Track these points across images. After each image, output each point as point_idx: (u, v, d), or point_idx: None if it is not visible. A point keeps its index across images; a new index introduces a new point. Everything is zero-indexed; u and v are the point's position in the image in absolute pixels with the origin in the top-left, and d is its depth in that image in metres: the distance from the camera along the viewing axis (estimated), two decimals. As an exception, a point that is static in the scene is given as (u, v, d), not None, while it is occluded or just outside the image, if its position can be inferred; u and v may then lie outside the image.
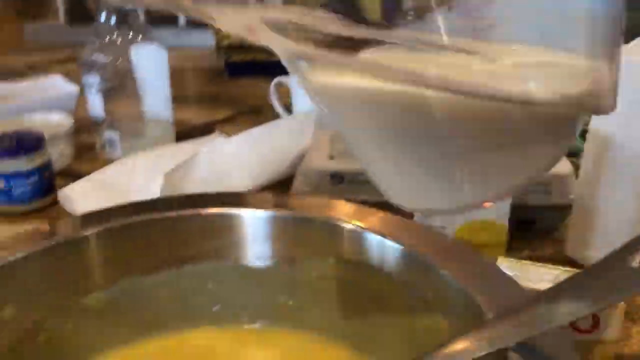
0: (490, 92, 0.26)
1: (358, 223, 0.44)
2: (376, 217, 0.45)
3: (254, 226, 0.47)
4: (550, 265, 0.50)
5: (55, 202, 0.77)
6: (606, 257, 0.31)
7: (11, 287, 0.42)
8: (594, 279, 0.32)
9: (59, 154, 0.86)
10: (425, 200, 0.34)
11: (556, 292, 0.32)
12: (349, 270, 0.45)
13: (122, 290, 0.46)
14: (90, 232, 0.45)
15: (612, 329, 0.46)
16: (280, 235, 0.46)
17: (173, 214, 0.48)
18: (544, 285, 0.46)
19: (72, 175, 0.83)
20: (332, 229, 0.44)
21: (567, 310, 0.31)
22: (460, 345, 0.34)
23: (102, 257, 0.46)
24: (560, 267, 0.49)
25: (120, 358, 0.45)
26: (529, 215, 0.69)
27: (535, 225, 0.71)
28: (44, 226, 0.49)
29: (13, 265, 0.41)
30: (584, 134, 0.61)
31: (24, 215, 0.76)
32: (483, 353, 0.32)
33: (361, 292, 0.44)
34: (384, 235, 0.42)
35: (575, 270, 0.48)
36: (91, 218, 0.47)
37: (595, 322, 0.47)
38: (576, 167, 0.67)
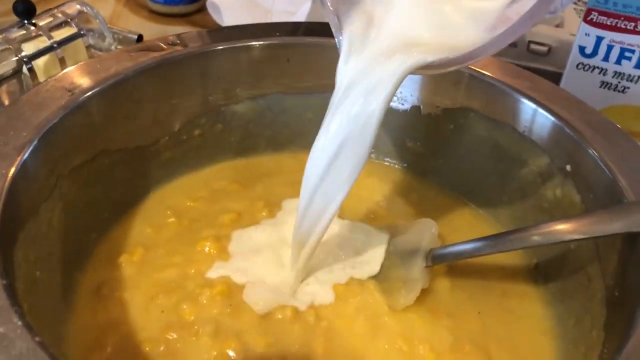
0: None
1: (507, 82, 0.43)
2: (526, 79, 0.44)
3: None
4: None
5: (202, 9, 0.80)
6: None
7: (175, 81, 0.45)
8: None
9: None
10: None
11: None
12: (490, 128, 0.45)
13: (268, 103, 0.49)
14: (250, 42, 0.47)
15: None
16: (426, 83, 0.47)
17: (314, 40, 0.48)
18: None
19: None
20: (483, 85, 0.44)
21: None
22: (586, 221, 0.34)
23: (255, 69, 0.48)
24: None
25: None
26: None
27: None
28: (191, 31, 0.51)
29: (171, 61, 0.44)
30: None
31: (171, 17, 0.79)
32: (609, 233, 0.33)
33: (498, 151, 0.45)
34: (537, 103, 0.41)
35: None
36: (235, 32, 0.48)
37: None
38: None
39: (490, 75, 0.44)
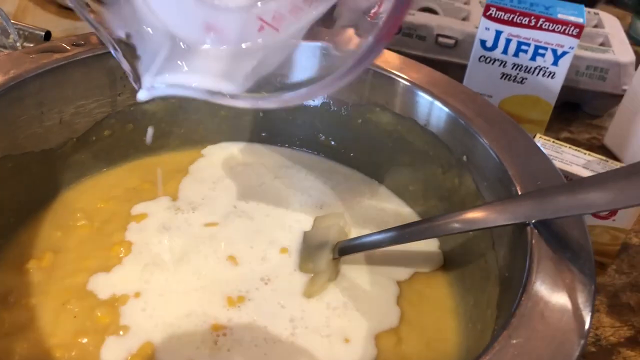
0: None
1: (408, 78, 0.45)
2: (425, 74, 0.46)
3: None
4: (584, 151, 0.51)
5: None
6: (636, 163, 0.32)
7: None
8: (629, 177, 0.32)
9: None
10: None
11: (592, 182, 0.33)
12: (394, 122, 0.47)
13: (180, 102, 0.50)
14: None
15: (627, 220, 0.49)
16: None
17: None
18: (574, 168, 0.48)
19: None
20: (385, 81, 0.45)
21: (595, 203, 0.32)
22: (480, 213, 0.36)
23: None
24: (594, 155, 0.51)
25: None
26: (576, 98, 0.69)
27: (579, 109, 0.71)
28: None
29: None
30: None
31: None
32: (500, 224, 0.35)
33: (403, 144, 0.47)
34: (434, 96, 0.43)
35: (607, 160, 0.50)
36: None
37: (613, 211, 0.49)
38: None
39: (392, 71, 0.45)
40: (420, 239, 0.40)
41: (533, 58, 0.57)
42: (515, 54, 0.58)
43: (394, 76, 0.45)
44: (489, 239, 0.39)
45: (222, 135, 0.53)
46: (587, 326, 0.29)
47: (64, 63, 0.43)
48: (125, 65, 0.35)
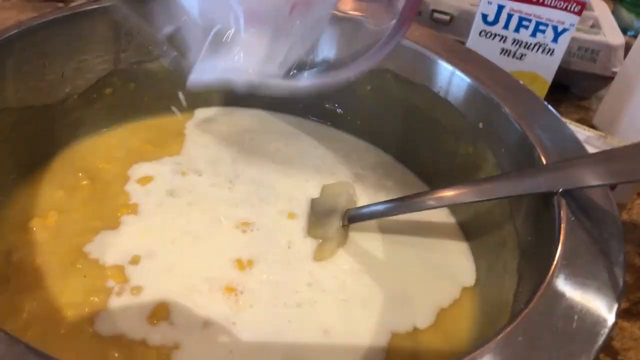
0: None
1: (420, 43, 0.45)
2: (436, 40, 0.46)
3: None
4: (584, 127, 0.52)
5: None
6: None
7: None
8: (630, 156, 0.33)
9: None
10: None
11: (618, 154, 0.33)
12: (405, 89, 0.46)
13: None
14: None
15: (627, 195, 0.50)
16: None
17: None
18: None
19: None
20: (400, 48, 0.45)
21: (623, 171, 0.33)
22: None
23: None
24: (593, 131, 0.52)
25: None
26: (567, 79, 0.70)
27: (568, 91, 0.73)
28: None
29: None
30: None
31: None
32: (527, 192, 0.35)
33: (414, 111, 0.46)
34: (454, 65, 0.43)
35: (606, 136, 0.51)
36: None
37: (613, 185, 0.50)
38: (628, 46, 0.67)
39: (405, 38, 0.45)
40: (431, 208, 0.40)
41: (533, 34, 0.58)
42: (516, 30, 0.58)
43: (407, 43, 0.45)
44: (507, 209, 0.39)
45: (227, 100, 0.51)
46: (617, 301, 0.28)
47: (68, 14, 0.41)
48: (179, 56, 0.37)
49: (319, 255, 0.41)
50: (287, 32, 0.34)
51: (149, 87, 0.47)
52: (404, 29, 0.29)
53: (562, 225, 0.31)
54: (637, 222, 0.54)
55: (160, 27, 0.37)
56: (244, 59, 0.34)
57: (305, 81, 0.34)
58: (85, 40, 0.43)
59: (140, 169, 0.44)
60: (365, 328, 0.36)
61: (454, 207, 0.45)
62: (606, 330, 0.27)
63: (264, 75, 0.34)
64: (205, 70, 0.35)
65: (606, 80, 0.68)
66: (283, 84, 0.34)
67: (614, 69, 0.67)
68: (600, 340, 0.26)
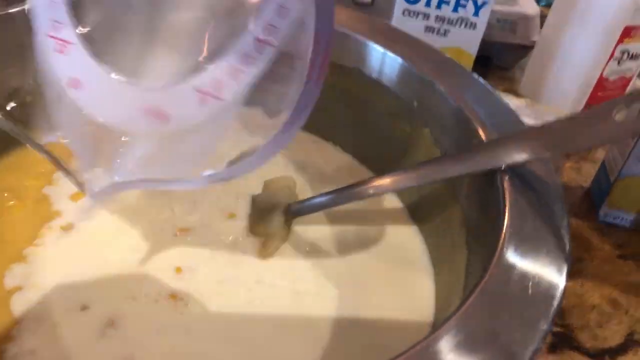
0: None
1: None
2: (362, 21, 0.45)
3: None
4: (511, 96, 0.53)
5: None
6: (591, 110, 0.33)
7: None
8: (577, 127, 0.33)
9: None
10: None
11: (559, 125, 0.33)
12: (337, 73, 0.46)
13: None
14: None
15: (556, 160, 0.52)
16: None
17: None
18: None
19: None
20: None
21: (567, 143, 0.33)
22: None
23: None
24: (522, 99, 0.53)
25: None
26: (488, 51, 0.72)
27: (490, 63, 0.74)
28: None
29: None
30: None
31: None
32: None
33: (347, 95, 0.46)
34: (378, 43, 0.43)
35: (533, 104, 0.52)
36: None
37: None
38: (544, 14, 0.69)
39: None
40: (373, 196, 0.40)
41: (455, 9, 0.59)
42: (438, 6, 0.59)
43: (337, 27, 0.44)
44: (451, 189, 0.39)
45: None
46: (566, 262, 0.29)
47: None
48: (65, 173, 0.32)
49: (263, 253, 0.40)
50: (198, 128, 0.30)
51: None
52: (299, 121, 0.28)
53: (506, 197, 0.32)
54: (567, 184, 0.56)
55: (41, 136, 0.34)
56: (149, 166, 0.31)
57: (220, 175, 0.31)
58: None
59: (69, 185, 0.42)
60: (322, 317, 0.36)
61: (400, 192, 0.45)
62: (559, 293, 0.27)
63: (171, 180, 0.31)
64: (102, 188, 0.32)
65: (526, 49, 0.71)
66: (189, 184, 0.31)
67: (533, 38, 0.70)
68: (556, 303, 0.27)
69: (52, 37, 0.30)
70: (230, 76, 0.28)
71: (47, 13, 0.30)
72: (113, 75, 0.29)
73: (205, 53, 0.28)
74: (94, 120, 0.30)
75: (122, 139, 0.30)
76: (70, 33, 0.30)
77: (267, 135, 0.30)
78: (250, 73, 0.27)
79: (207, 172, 0.30)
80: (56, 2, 0.30)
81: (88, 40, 0.30)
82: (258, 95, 0.29)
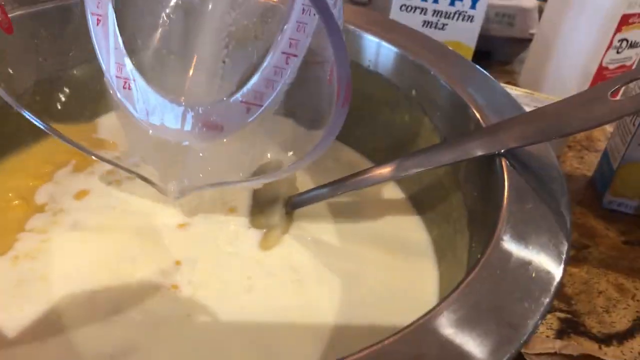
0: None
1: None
2: (364, 15, 0.46)
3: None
4: (511, 86, 0.54)
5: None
6: (586, 91, 0.33)
7: None
8: (574, 108, 0.33)
9: None
10: None
11: (555, 109, 0.34)
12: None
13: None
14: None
15: (558, 147, 0.52)
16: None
17: None
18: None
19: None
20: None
21: (569, 125, 0.33)
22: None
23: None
24: (521, 89, 0.53)
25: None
26: (488, 45, 0.72)
27: (491, 58, 0.75)
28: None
29: None
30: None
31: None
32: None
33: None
34: (375, 34, 0.43)
35: (532, 93, 0.52)
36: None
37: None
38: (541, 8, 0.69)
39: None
40: (372, 184, 0.40)
41: (452, 3, 0.59)
42: (435, 0, 0.59)
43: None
44: (452, 176, 0.39)
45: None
46: (567, 240, 0.29)
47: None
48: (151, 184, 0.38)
49: (264, 244, 0.40)
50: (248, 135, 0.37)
51: (74, 96, 0.46)
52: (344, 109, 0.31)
53: (505, 180, 0.32)
54: (569, 173, 0.56)
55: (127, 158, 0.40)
56: (214, 171, 0.37)
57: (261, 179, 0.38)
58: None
59: (74, 184, 0.43)
60: (325, 305, 0.36)
61: (401, 182, 0.45)
62: (561, 268, 0.27)
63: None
64: (182, 190, 0.37)
65: (525, 42, 0.71)
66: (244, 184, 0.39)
67: (531, 31, 0.70)
68: (557, 277, 0.27)
69: (118, 77, 0.37)
70: (266, 86, 0.35)
71: (113, 58, 0.36)
72: (170, 101, 0.36)
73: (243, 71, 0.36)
74: (161, 138, 0.37)
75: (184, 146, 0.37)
76: (130, 71, 0.36)
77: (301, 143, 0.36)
78: (282, 81, 0.35)
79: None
80: (118, 50, 0.36)
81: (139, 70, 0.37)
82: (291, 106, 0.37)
